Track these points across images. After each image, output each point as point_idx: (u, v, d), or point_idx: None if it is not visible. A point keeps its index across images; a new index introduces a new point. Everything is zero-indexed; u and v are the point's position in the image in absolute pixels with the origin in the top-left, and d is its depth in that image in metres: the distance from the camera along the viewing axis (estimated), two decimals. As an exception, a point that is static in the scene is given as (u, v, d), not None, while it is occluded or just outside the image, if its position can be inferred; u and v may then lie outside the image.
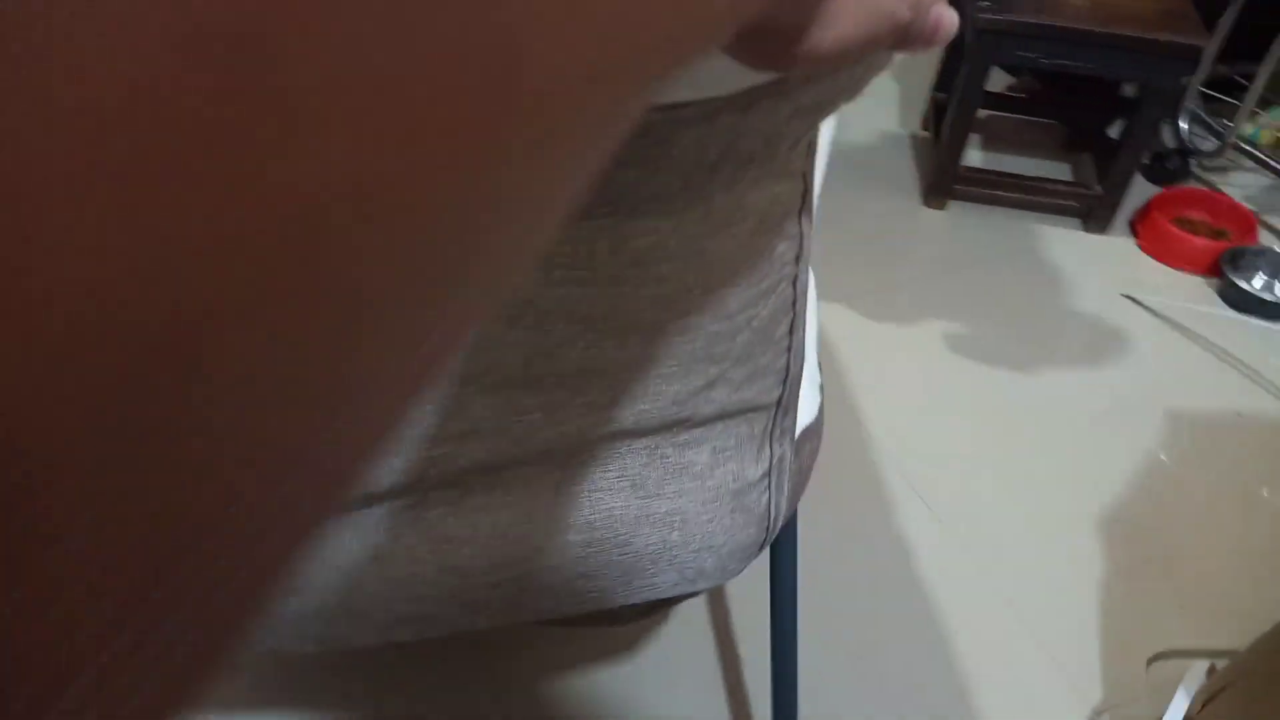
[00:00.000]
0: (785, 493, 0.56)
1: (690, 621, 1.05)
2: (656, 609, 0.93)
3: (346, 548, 0.50)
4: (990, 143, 1.97)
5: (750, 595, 1.07)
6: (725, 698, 0.98)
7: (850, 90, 0.39)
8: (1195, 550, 1.16)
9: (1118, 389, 1.42)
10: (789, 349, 0.49)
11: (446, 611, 0.54)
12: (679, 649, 1.03)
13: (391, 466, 0.47)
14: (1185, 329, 1.54)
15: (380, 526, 0.50)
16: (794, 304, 0.47)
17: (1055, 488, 1.25)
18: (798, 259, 0.46)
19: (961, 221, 1.75)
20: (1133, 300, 1.59)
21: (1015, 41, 1.52)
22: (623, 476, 0.52)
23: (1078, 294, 1.60)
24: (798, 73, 0.31)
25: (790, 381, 0.50)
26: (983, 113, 1.88)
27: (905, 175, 1.87)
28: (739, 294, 0.45)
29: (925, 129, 1.98)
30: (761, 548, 0.57)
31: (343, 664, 0.97)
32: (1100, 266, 1.67)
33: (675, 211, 0.41)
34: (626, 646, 1.02)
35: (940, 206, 1.77)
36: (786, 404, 0.51)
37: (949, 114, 1.67)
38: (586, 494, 0.51)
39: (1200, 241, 1.64)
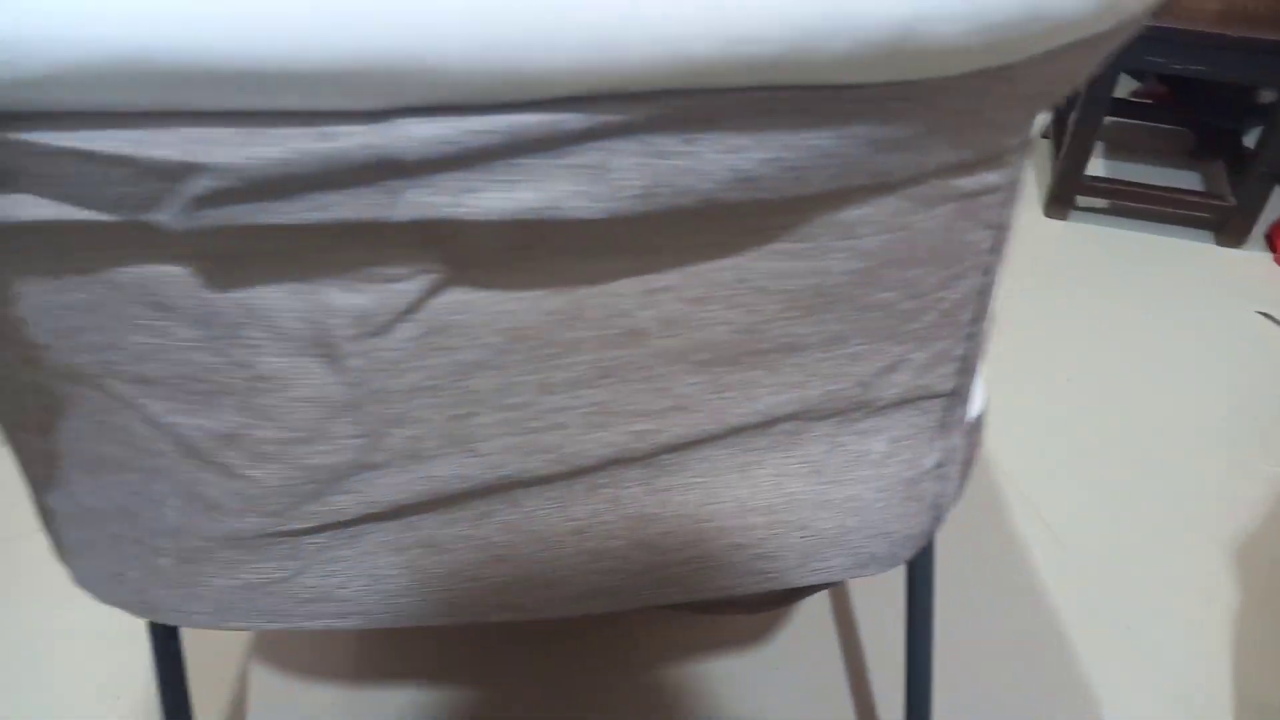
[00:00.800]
0: (953, 482, 0.62)
1: (815, 616, 1.12)
2: (791, 598, 1.00)
3: (550, 519, 0.58)
4: (1113, 150, 1.99)
5: (876, 591, 1.13)
6: (849, 694, 1.05)
7: (1072, 78, 0.45)
8: (1339, 583, 1.17)
9: (1253, 411, 1.43)
10: (970, 337, 0.55)
11: (637, 585, 0.61)
12: (805, 642, 1.09)
13: (600, 440, 0.54)
14: (1325, 348, 1.53)
15: (580, 500, 0.58)
16: (982, 293, 0.53)
17: (1186, 514, 1.26)
18: (993, 249, 0.51)
19: (1084, 232, 1.78)
20: (1269, 318, 1.60)
21: (1143, 45, 1.55)
22: (805, 462, 0.58)
23: (1209, 310, 1.61)
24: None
25: (968, 371, 0.57)
26: (1105, 119, 1.90)
27: (1025, 184, 1.89)
28: (932, 274, 0.51)
29: (1045, 136, 2.02)
30: (929, 536, 0.64)
31: (454, 644, 1.06)
32: (1234, 281, 1.68)
33: (891, 188, 0.46)
34: (753, 636, 1.09)
35: (1062, 216, 1.80)
36: (962, 394, 0.58)
37: (1072, 121, 1.71)
38: (771, 477, 0.58)
39: (1343, 256, 1.65)
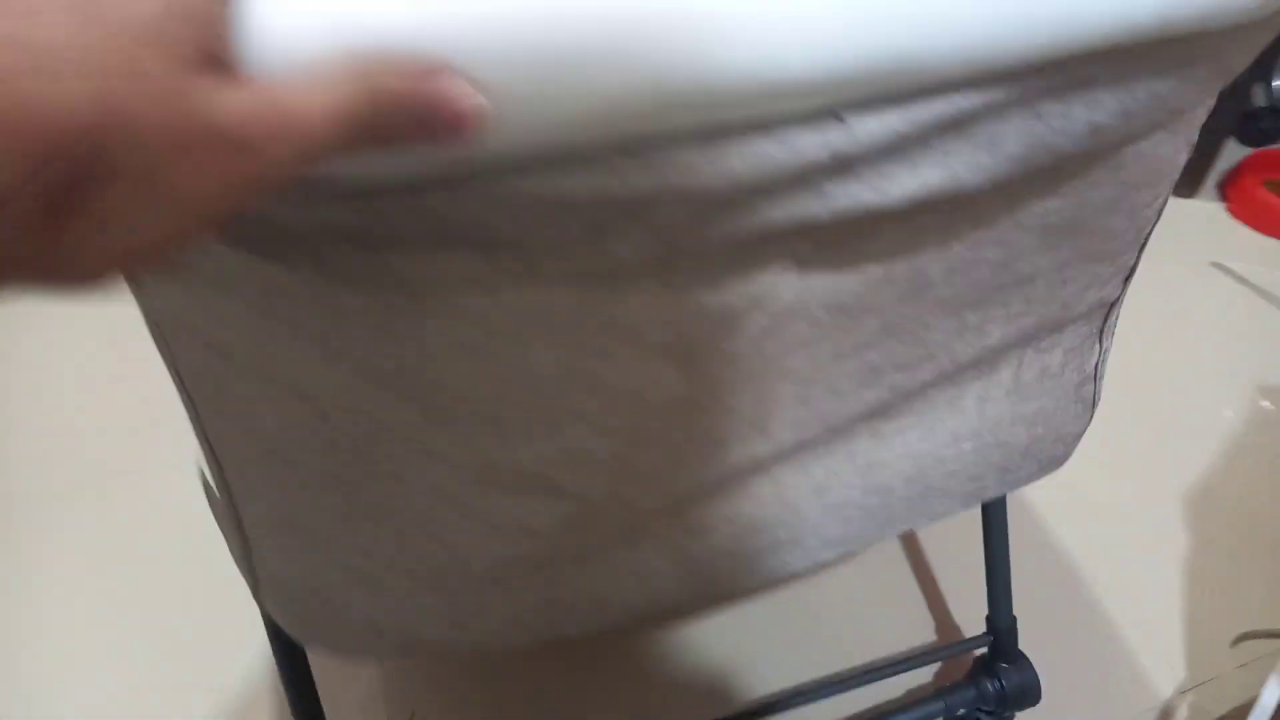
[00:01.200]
0: (1102, 380, 0.70)
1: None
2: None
3: (795, 483, 0.61)
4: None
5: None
6: (923, 600, 1.12)
7: None
8: (1282, 527, 1.22)
9: (1205, 361, 1.47)
10: (1143, 247, 0.60)
11: (865, 529, 0.66)
12: (877, 556, 1.16)
13: (862, 399, 0.56)
14: (1277, 299, 1.59)
15: (819, 460, 0.61)
16: (1164, 207, 0.58)
17: (1139, 461, 1.32)
18: (1179, 169, 0.55)
19: (1037, 183, 1.87)
20: (1221, 268, 1.64)
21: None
22: (1000, 384, 0.64)
23: (1163, 261, 1.61)
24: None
25: (1131, 278, 0.62)
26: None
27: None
28: (1148, 193, 0.53)
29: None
30: (1086, 430, 0.72)
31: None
32: (1187, 232, 1.73)
33: (1159, 125, 0.47)
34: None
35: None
36: (1122, 299, 0.64)
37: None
38: (974, 404, 0.64)
39: (1294, 207, 1.68)
